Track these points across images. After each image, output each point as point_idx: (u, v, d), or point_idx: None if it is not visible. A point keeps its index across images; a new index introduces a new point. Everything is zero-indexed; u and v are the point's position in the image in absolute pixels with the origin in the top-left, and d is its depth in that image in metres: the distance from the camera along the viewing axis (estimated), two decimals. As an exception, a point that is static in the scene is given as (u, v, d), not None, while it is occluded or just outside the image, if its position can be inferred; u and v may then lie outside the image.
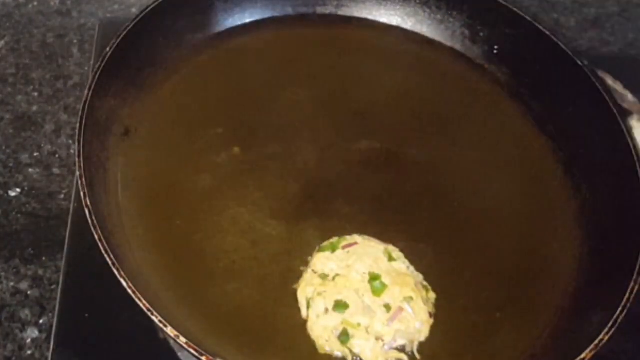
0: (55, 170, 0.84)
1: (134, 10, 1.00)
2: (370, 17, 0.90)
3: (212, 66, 0.84)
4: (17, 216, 0.80)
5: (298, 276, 0.69)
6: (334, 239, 0.71)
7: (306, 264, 0.70)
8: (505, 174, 0.79)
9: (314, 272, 0.68)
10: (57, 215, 0.80)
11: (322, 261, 0.69)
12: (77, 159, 0.65)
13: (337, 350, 0.65)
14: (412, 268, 0.70)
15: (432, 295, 0.68)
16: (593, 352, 0.60)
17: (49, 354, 0.68)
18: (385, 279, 0.67)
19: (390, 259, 0.69)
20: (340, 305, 0.65)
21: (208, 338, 0.62)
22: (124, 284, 0.58)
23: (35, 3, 1.01)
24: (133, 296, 0.58)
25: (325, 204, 0.74)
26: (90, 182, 0.65)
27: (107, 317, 0.70)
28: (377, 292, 0.67)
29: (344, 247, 0.70)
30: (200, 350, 0.56)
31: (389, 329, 0.65)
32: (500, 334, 0.67)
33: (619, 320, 0.61)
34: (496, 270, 0.72)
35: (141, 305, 0.58)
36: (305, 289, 0.67)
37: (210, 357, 0.56)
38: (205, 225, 0.71)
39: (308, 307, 0.66)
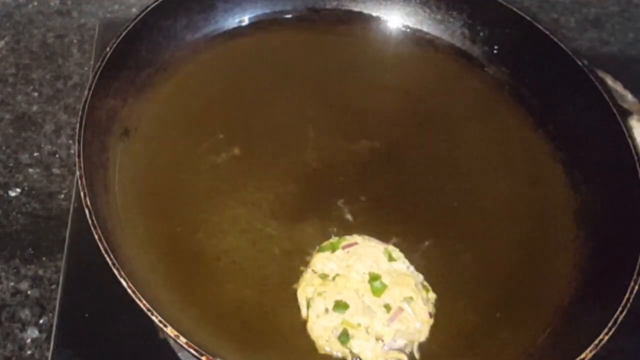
0: (55, 170, 0.84)
1: (134, 10, 1.00)
2: (370, 17, 0.90)
3: (212, 66, 0.84)
4: (17, 216, 0.80)
5: (298, 276, 0.69)
6: (334, 239, 0.71)
7: (306, 264, 0.70)
8: (505, 174, 0.79)
9: (314, 272, 0.68)
10: (57, 215, 0.80)
11: (322, 261, 0.69)
12: (77, 159, 0.65)
13: (337, 350, 0.65)
14: (412, 268, 0.70)
15: (432, 295, 0.68)
16: (593, 352, 0.60)
17: (49, 354, 0.68)
18: (385, 279, 0.67)
19: (390, 259, 0.69)
20: (340, 305, 0.65)
21: (208, 338, 0.62)
22: (124, 284, 0.58)
23: (35, 3, 1.01)
24: (133, 296, 0.58)
25: (325, 204, 0.74)
26: (90, 182, 0.65)
27: (107, 317, 0.70)
28: (377, 292, 0.67)
29: (344, 247, 0.70)
30: (200, 350, 0.56)
31: (389, 329, 0.65)
32: (500, 334, 0.67)
33: (619, 320, 0.61)
34: (496, 270, 0.72)
35: (141, 305, 0.57)
36: (305, 289, 0.67)
37: (210, 357, 0.56)
38: (205, 225, 0.71)
39: (308, 307, 0.66)
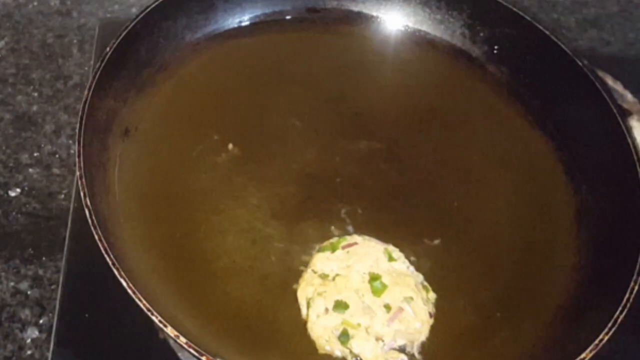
0: (55, 170, 0.84)
1: (134, 10, 1.00)
2: (370, 16, 0.90)
3: (212, 66, 0.84)
4: (17, 216, 0.80)
5: (298, 276, 0.69)
6: (334, 239, 0.71)
7: (306, 264, 0.70)
8: (505, 174, 0.79)
9: (314, 272, 0.68)
10: (57, 215, 0.80)
11: (322, 261, 0.69)
12: (77, 159, 0.65)
13: (337, 350, 0.65)
14: (412, 268, 0.70)
15: (432, 295, 0.68)
16: (593, 352, 0.60)
17: (49, 354, 0.68)
18: (385, 279, 0.67)
19: (390, 259, 0.69)
20: (340, 305, 0.65)
21: (208, 338, 0.62)
22: (124, 284, 0.58)
23: (35, 3, 1.01)
24: (133, 296, 0.58)
25: (325, 204, 0.74)
26: (90, 182, 0.65)
27: (107, 317, 0.70)
28: (377, 292, 0.67)
29: (344, 247, 0.70)
30: (200, 350, 0.56)
31: (389, 329, 0.65)
32: (500, 334, 0.67)
33: (619, 320, 0.61)
34: (496, 270, 0.72)
35: (141, 305, 0.57)
36: (305, 289, 0.67)
37: (210, 357, 0.56)
38: (205, 225, 0.71)
39: (308, 307, 0.66)
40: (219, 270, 0.68)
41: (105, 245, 0.60)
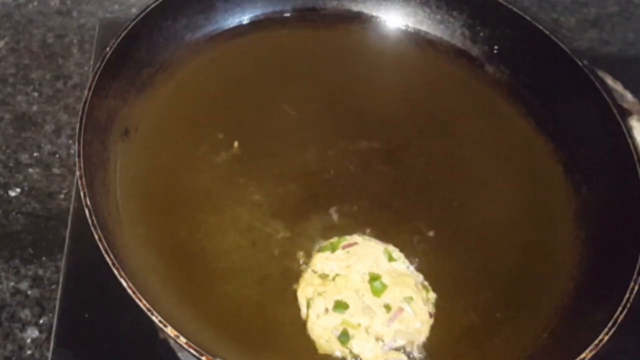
0: (55, 170, 0.84)
1: (134, 10, 1.00)
2: (370, 16, 0.90)
3: (212, 66, 0.84)
4: (17, 216, 0.80)
5: (298, 276, 0.69)
6: (334, 239, 0.71)
7: (306, 264, 0.70)
8: (505, 174, 0.79)
9: (314, 272, 0.68)
10: (57, 215, 0.80)
11: (322, 261, 0.69)
12: (77, 159, 0.65)
13: (337, 350, 0.65)
14: (412, 268, 0.70)
15: (432, 295, 0.68)
16: (593, 352, 0.60)
17: (49, 354, 0.68)
18: (385, 279, 0.67)
19: (390, 259, 0.69)
20: (340, 306, 0.65)
21: (208, 338, 0.62)
22: (124, 284, 0.58)
23: (35, 3, 1.01)
24: (133, 296, 0.58)
25: (325, 204, 0.74)
26: (90, 182, 0.65)
27: (107, 317, 0.70)
28: (377, 292, 0.67)
29: (344, 247, 0.70)
30: (200, 350, 0.56)
31: (388, 329, 0.65)
32: (500, 334, 0.67)
33: (619, 320, 0.61)
34: (496, 270, 0.72)
35: (141, 305, 0.57)
36: (305, 289, 0.67)
37: (210, 357, 0.56)
38: (205, 225, 0.71)
39: (308, 307, 0.66)
40: (219, 270, 0.68)
41: (105, 245, 0.60)
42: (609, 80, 0.89)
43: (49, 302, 0.74)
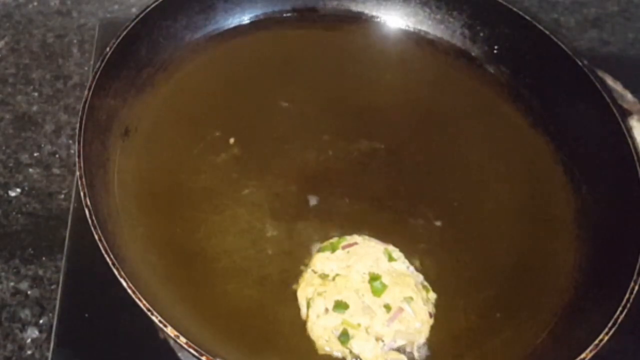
0: (55, 170, 0.84)
1: (134, 10, 1.00)
2: (370, 16, 0.90)
3: (212, 66, 0.84)
4: (17, 216, 0.80)
5: (298, 276, 0.69)
6: (334, 239, 0.71)
7: (306, 264, 0.70)
8: (505, 174, 0.79)
9: (314, 272, 0.68)
10: (57, 215, 0.80)
11: (322, 261, 0.69)
12: (77, 159, 0.65)
13: (337, 350, 0.65)
14: (412, 268, 0.70)
15: (432, 295, 0.68)
16: (593, 352, 0.60)
17: (49, 354, 0.68)
18: (385, 279, 0.67)
19: (390, 259, 0.69)
20: (340, 306, 0.65)
21: (208, 338, 0.62)
22: (124, 284, 0.58)
23: (35, 3, 1.01)
24: (133, 296, 0.58)
25: (325, 204, 0.74)
26: (90, 182, 0.65)
27: (107, 317, 0.70)
28: (377, 292, 0.66)
29: (344, 247, 0.70)
30: (200, 350, 0.56)
31: (388, 329, 0.65)
32: (500, 334, 0.67)
33: (619, 320, 0.61)
34: (496, 271, 0.72)
35: (141, 305, 0.57)
36: (305, 289, 0.67)
37: (210, 357, 0.56)
38: (205, 225, 0.71)
39: (308, 307, 0.66)
40: (219, 270, 0.68)
41: (105, 245, 0.60)
42: (609, 80, 0.89)
43: (49, 302, 0.74)
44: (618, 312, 0.62)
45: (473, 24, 0.88)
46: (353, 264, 0.68)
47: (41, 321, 0.73)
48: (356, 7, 0.91)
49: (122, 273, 0.58)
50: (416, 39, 0.90)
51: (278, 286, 0.68)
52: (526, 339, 0.67)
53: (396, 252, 0.70)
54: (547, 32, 0.82)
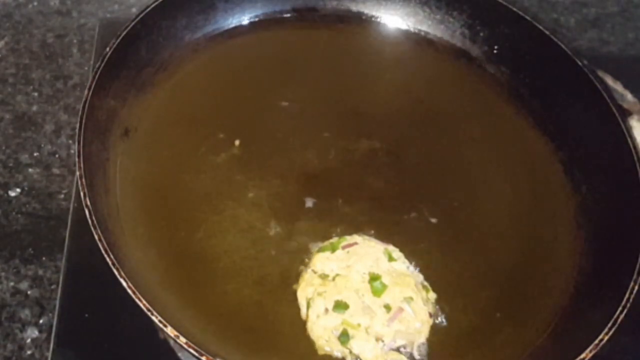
0: (55, 170, 0.84)
1: (134, 10, 1.00)
2: (370, 16, 0.90)
3: (212, 66, 0.84)
4: (17, 216, 0.80)
5: (298, 276, 0.69)
6: (334, 239, 0.71)
7: (306, 264, 0.70)
8: (505, 174, 0.79)
9: (314, 272, 0.68)
10: (57, 215, 0.80)
11: (322, 261, 0.69)
12: (77, 159, 0.65)
13: (337, 350, 0.65)
14: (412, 268, 0.70)
15: (432, 295, 0.68)
16: (593, 352, 0.60)
17: (49, 354, 0.68)
18: (385, 279, 0.67)
19: (390, 259, 0.69)
20: (340, 306, 0.65)
21: (208, 338, 0.62)
22: (124, 284, 0.58)
23: (35, 3, 1.01)
24: (133, 296, 0.58)
25: (325, 204, 0.74)
26: (90, 182, 0.65)
27: (107, 317, 0.70)
28: (377, 292, 0.67)
29: (344, 247, 0.70)
30: (200, 350, 0.56)
31: (388, 329, 0.65)
32: (500, 334, 0.67)
33: (619, 320, 0.61)
34: (496, 270, 0.72)
35: (141, 305, 0.57)
36: (305, 289, 0.67)
37: (210, 357, 0.56)
38: (205, 225, 0.71)
39: (308, 307, 0.66)
40: (219, 270, 0.68)
41: (105, 245, 0.60)
42: (609, 80, 0.89)
43: (49, 302, 0.74)
44: (618, 312, 0.62)
45: (473, 24, 0.88)
46: (353, 264, 0.68)
47: (41, 321, 0.73)
48: (356, 7, 0.91)
49: (122, 273, 0.58)
50: (416, 39, 0.90)
51: (278, 286, 0.68)
52: (526, 339, 0.67)
53: (396, 252, 0.70)
54: (547, 32, 0.82)
